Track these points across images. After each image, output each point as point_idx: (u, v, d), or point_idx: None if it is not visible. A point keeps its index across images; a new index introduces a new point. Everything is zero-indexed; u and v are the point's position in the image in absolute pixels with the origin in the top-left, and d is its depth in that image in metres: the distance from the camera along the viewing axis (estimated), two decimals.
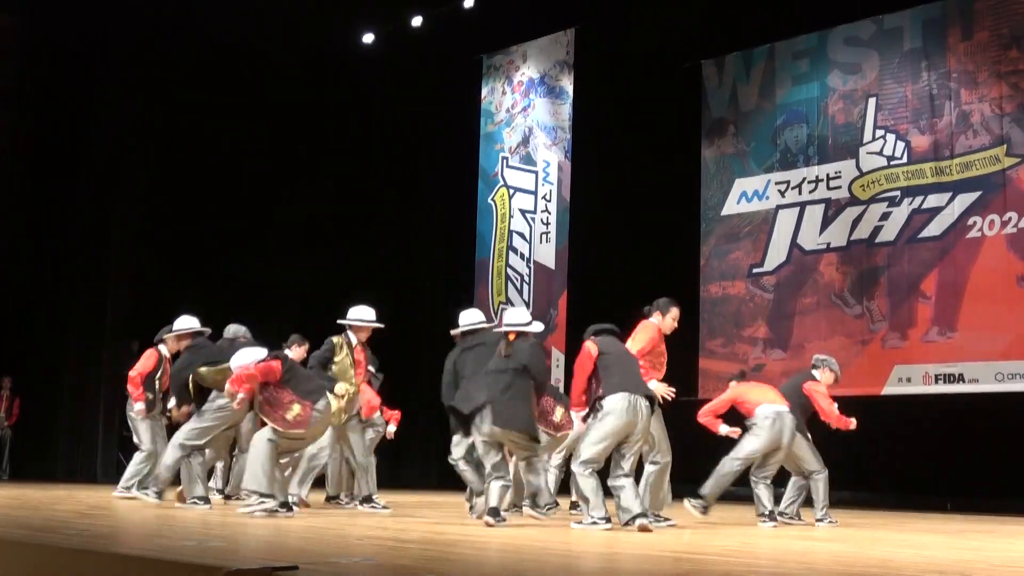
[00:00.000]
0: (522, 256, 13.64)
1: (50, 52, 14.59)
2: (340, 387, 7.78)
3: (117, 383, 14.67)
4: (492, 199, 14.09)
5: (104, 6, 13.56)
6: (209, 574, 3.62)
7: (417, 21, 13.86)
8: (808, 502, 8.30)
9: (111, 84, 14.56)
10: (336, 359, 8.07)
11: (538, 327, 7.45)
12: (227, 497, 8.97)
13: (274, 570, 3.57)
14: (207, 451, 8.28)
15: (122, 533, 5.29)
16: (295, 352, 8.85)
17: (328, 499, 9.06)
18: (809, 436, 8.24)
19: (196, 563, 3.84)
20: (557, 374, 12.43)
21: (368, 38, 14.40)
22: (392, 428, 9.15)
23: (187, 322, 8.89)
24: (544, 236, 13.47)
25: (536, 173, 13.67)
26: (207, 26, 13.78)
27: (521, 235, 13.70)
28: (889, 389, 11.25)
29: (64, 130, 14.69)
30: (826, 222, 12.05)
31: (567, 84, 13.54)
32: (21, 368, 14.22)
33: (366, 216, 15.51)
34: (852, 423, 8.16)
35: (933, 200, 11.29)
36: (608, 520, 6.42)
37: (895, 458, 11.41)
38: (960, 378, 10.80)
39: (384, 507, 8.14)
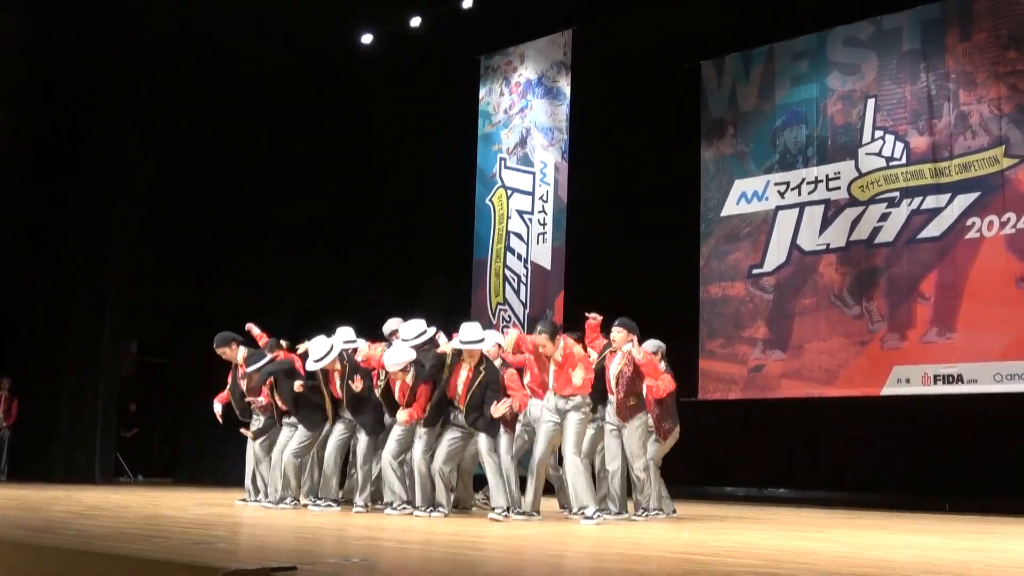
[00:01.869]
0: (519, 257, 13.64)
1: (50, 52, 14.59)
2: None
3: (116, 383, 14.76)
4: (490, 200, 14.09)
5: (104, 7, 13.56)
6: (208, 574, 3.62)
7: (416, 22, 13.86)
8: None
9: (111, 84, 14.56)
10: None
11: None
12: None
13: (272, 570, 3.57)
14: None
15: (121, 533, 5.29)
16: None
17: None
18: None
19: (195, 563, 3.85)
20: None
21: (367, 39, 14.41)
22: None
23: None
24: (541, 237, 13.47)
25: (533, 174, 13.67)
26: (207, 26, 13.79)
27: (518, 236, 13.70)
28: (888, 390, 11.25)
29: (64, 130, 14.69)
30: (825, 223, 12.05)
31: (564, 85, 13.54)
32: (21, 368, 14.22)
33: (365, 216, 15.52)
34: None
35: (932, 201, 11.30)
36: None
37: (893, 458, 11.42)
38: (959, 379, 10.80)
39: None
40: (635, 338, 7.79)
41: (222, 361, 9.72)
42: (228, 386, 9.38)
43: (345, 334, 8.87)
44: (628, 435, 7.74)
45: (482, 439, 7.65)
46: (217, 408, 9.40)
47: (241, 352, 9.16)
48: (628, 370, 7.71)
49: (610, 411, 7.80)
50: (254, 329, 9.55)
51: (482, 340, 7.71)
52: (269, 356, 8.88)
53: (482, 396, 7.61)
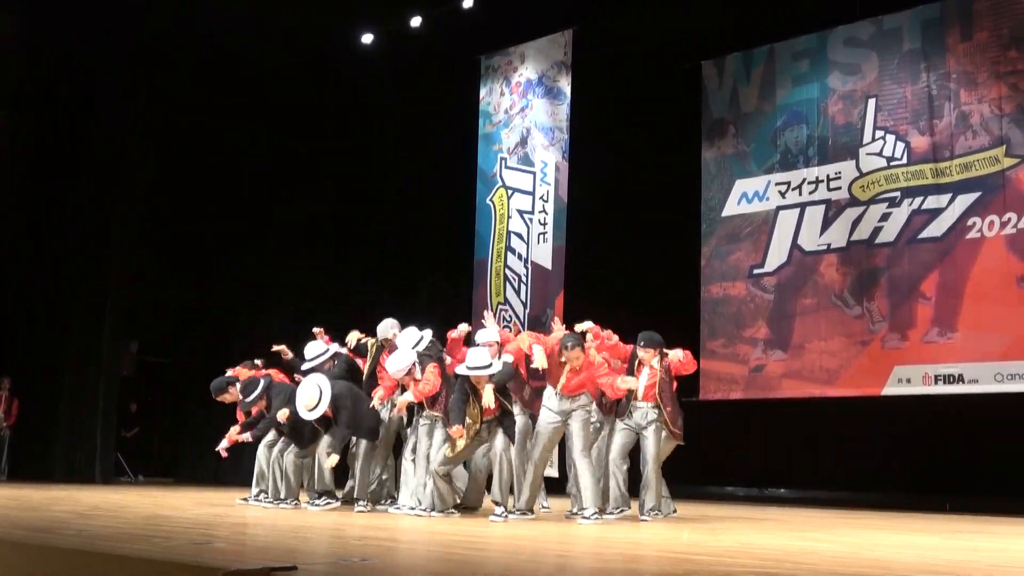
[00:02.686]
0: (520, 256, 13.63)
1: (50, 52, 14.59)
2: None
3: (116, 383, 14.75)
4: (491, 200, 14.08)
5: (104, 6, 13.56)
6: (208, 574, 3.62)
7: (416, 22, 13.85)
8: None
9: (111, 84, 14.54)
10: None
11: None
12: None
13: (272, 570, 3.57)
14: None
15: (121, 533, 5.29)
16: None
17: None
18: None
19: (195, 563, 3.85)
20: None
21: (367, 38, 14.40)
22: None
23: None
24: (541, 236, 13.46)
25: (534, 174, 13.66)
26: (207, 26, 13.78)
27: (519, 235, 13.69)
28: (889, 390, 11.24)
29: (64, 130, 14.68)
30: (826, 223, 12.05)
31: (565, 85, 13.52)
32: (21, 368, 14.21)
33: (365, 217, 15.50)
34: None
35: (933, 201, 11.29)
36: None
37: (894, 458, 11.42)
38: (960, 379, 10.80)
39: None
40: (659, 351, 7.92)
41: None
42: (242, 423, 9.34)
43: (314, 349, 8.94)
44: (648, 437, 7.82)
45: (499, 438, 7.62)
46: (223, 445, 9.14)
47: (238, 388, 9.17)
48: (666, 380, 7.81)
49: (637, 415, 7.88)
50: (234, 369, 9.62)
51: (489, 366, 7.51)
52: (262, 383, 8.86)
53: (501, 404, 7.61)
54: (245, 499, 9.13)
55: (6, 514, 6.63)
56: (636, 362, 7.95)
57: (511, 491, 7.74)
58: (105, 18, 13.73)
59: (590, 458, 7.62)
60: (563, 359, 7.59)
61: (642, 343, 7.91)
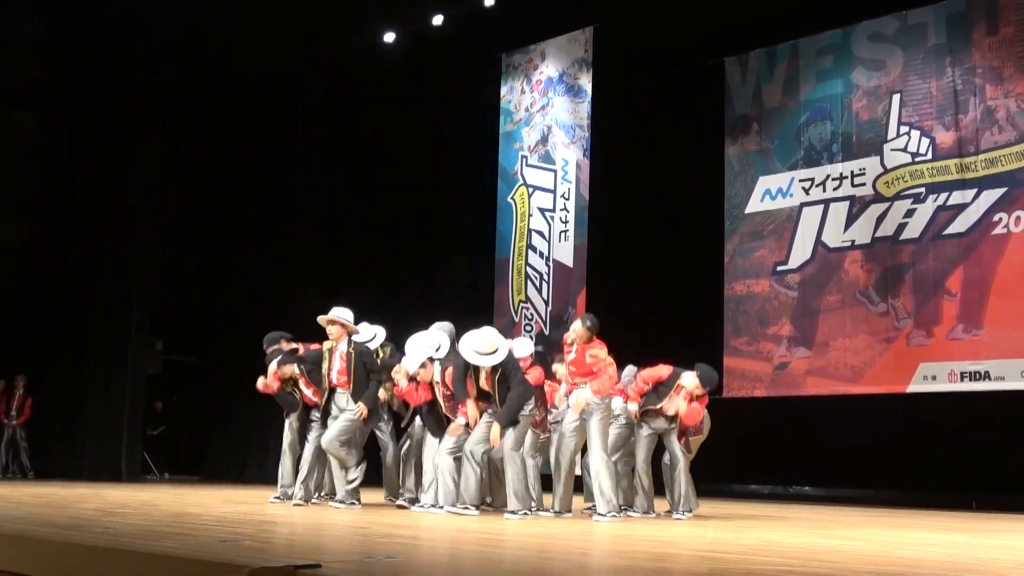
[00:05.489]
0: (541, 254, 13.63)
1: (72, 53, 14.66)
2: None
3: (142, 381, 14.86)
4: (512, 198, 14.08)
5: (123, 6, 13.63)
6: (234, 572, 3.63)
7: (438, 20, 13.87)
8: None
9: (131, 83, 14.57)
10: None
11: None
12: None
13: (297, 568, 3.58)
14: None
15: (147, 531, 5.32)
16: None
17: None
18: None
19: (221, 561, 3.87)
20: None
21: (389, 37, 14.43)
22: None
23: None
24: (563, 234, 13.45)
25: (555, 171, 13.66)
26: (228, 22, 13.85)
27: (540, 233, 13.69)
28: (914, 387, 11.17)
29: (86, 129, 14.76)
30: (850, 219, 11.98)
31: (586, 82, 13.51)
32: (47, 367, 14.32)
33: (387, 215, 15.53)
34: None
35: (958, 197, 11.20)
36: None
37: (920, 456, 11.33)
38: (986, 375, 10.71)
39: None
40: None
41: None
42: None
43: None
44: (668, 436, 7.98)
45: (508, 436, 7.62)
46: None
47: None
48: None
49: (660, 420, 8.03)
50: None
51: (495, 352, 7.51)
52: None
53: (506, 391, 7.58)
54: (277, 498, 8.92)
55: (33, 512, 6.69)
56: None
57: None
58: (123, 16, 13.79)
59: (606, 455, 7.52)
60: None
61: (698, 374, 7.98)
